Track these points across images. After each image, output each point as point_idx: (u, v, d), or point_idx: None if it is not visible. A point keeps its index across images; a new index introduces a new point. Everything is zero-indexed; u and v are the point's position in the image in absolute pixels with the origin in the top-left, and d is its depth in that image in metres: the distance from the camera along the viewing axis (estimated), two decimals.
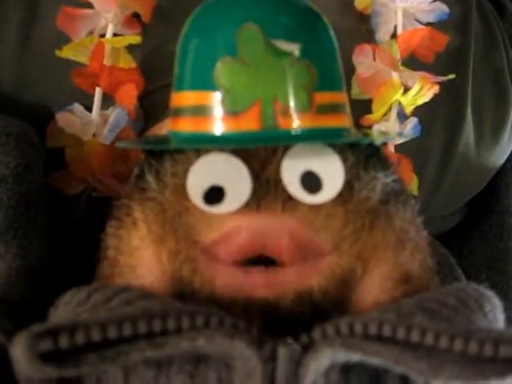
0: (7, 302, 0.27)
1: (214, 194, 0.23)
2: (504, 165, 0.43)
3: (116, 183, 0.35)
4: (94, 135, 0.35)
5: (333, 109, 0.24)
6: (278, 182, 0.23)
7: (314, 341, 0.21)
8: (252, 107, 0.23)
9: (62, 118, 0.35)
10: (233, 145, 0.23)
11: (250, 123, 0.23)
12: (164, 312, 0.20)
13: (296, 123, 0.23)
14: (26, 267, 0.28)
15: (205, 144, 0.24)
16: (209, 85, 0.24)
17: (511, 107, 0.41)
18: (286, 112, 0.23)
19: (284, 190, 0.23)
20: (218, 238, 0.23)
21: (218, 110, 0.23)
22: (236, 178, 0.23)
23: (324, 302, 0.22)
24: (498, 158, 0.42)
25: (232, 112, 0.23)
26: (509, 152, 0.43)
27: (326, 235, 0.23)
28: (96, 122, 0.35)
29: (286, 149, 0.24)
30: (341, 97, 0.25)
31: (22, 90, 0.35)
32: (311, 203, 0.23)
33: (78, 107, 0.35)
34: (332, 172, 0.24)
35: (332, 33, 0.25)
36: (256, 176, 0.23)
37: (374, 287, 0.23)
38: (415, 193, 0.37)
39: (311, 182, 0.23)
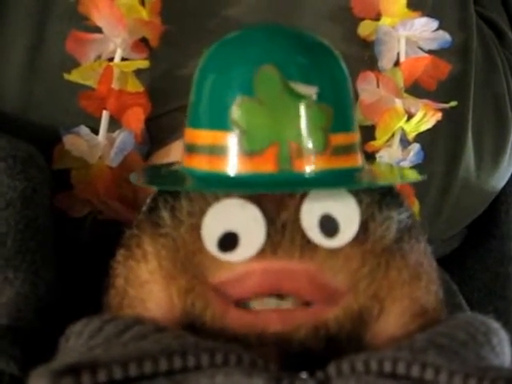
0: (15, 329, 0.26)
1: (229, 241, 0.23)
2: (504, 189, 0.43)
3: (121, 206, 0.35)
4: (100, 158, 0.35)
5: (347, 149, 0.25)
6: (294, 226, 0.23)
7: (329, 377, 0.21)
8: (268, 149, 0.23)
9: (69, 141, 0.35)
10: (248, 190, 0.23)
11: (266, 165, 0.23)
12: (183, 349, 0.20)
13: (311, 166, 0.23)
14: (34, 293, 0.28)
15: (221, 186, 0.24)
16: (225, 124, 0.24)
17: (511, 132, 0.42)
18: (301, 154, 0.23)
19: (301, 235, 0.23)
20: (230, 279, 0.23)
21: (233, 151, 0.24)
22: (251, 225, 0.23)
23: (339, 335, 0.22)
24: (498, 183, 0.43)
25: (248, 153, 0.23)
26: (508, 176, 0.44)
27: (344, 277, 0.23)
28: (102, 145, 0.35)
29: (303, 192, 0.24)
30: (354, 137, 0.25)
31: (28, 111, 0.35)
32: (329, 247, 0.23)
33: (84, 130, 0.35)
34: (348, 215, 0.24)
35: (345, 69, 0.26)
36: (271, 221, 0.23)
37: (390, 325, 0.24)
38: (417, 217, 0.38)
39: (329, 225, 0.23)
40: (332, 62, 0.25)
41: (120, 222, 0.34)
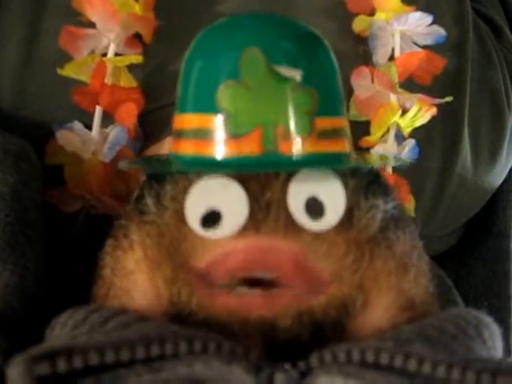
0: (3, 319, 0.26)
1: (211, 218, 0.23)
2: (501, 186, 0.43)
3: (114, 201, 0.35)
4: (93, 153, 0.35)
5: (334, 134, 0.25)
6: (279, 205, 0.23)
7: (311, 367, 0.21)
8: (253, 131, 0.23)
9: (62, 136, 0.35)
10: (233, 169, 0.23)
11: (251, 147, 0.23)
12: (161, 336, 0.20)
13: (297, 148, 0.23)
14: (22, 286, 0.28)
15: (206, 167, 0.24)
16: (211, 108, 0.24)
17: (507, 128, 0.42)
18: (287, 137, 0.23)
19: (286, 215, 0.23)
20: (213, 260, 0.23)
21: (219, 134, 0.24)
22: (233, 202, 0.23)
23: (324, 323, 0.22)
24: (495, 180, 0.42)
25: (234, 135, 0.23)
26: (505, 173, 0.43)
27: (328, 264, 0.23)
28: (96, 140, 0.35)
29: (289, 173, 0.24)
30: (342, 122, 0.25)
31: (21, 106, 0.35)
32: (313, 229, 0.23)
33: (77, 125, 0.35)
34: (334, 198, 0.24)
35: (333, 57, 0.26)
36: (255, 199, 0.23)
37: (376, 317, 0.23)
38: (412, 214, 0.37)
39: (315, 208, 0.23)
40: (319, 48, 0.25)
41: (113, 216, 0.34)
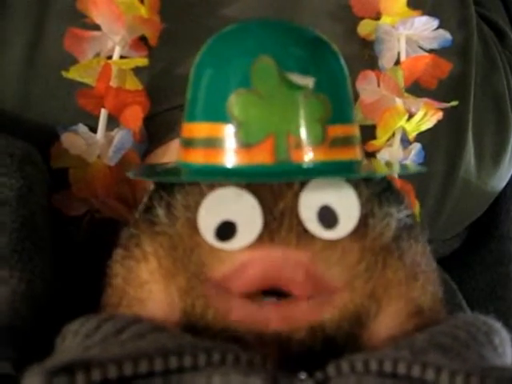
0: (11, 328, 0.26)
1: (226, 230, 0.23)
2: (504, 190, 0.43)
3: (119, 205, 0.35)
4: (98, 156, 0.35)
5: (345, 141, 0.24)
6: (292, 215, 0.23)
7: (328, 377, 0.21)
8: (265, 140, 0.23)
9: (67, 139, 0.35)
10: (245, 179, 0.23)
11: (263, 156, 0.23)
12: (180, 348, 0.20)
13: (309, 157, 0.23)
14: (30, 292, 0.28)
15: (217, 177, 0.24)
16: (222, 116, 0.23)
17: (511, 132, 0.42)
18: (299, 145, 0.23)
19: (298, 224, 0.23)
20: (230, 272, 0.23)
21: (230, 143, 0.23)
22: (247, 213, 0.23)
23: (336, 336, 0.22)
24: (498, 183, 0.42)
25: (245, 144, 0.23)
26: (509, 177, 0.43)
27: (340, 271, 0.23)
28: (101, 144, 0.35)
29: (302, 182, 0.24)
30: (353, 129, 0.25)
31: (26, 110, 0.35)
32: (327, 238, 0.23)
33: (82, 128, 0.35)
34: (348, 207, 0.24)
35: (343, 63, 0.26)
36: (268, 209, 0.23)
37: (386, 325, 0.23)
38: (418, 218, 0.37)
39: (328, 216, 0.23)
40: (329, 55, 0.25)
41: (118, 220, 0.34)
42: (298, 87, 0.23)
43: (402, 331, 0.24)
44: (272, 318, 0.22)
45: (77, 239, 0.35)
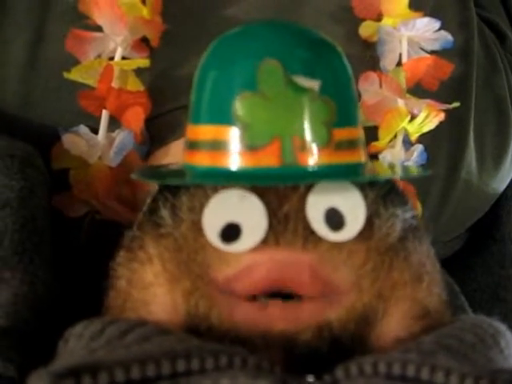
0: (13, 331, 0.26)
1: (230, 232, 0.23)
2: (505, 191, 0.43)
3: (120, 206, 0.35)
4: (99, 158, 0.35)
5: (351, 144, 0.24)
6: (297, 217, 0.23)
7: (337, 380, 0.20)
8: (271, 143, 0.23)
9: (68, 140, 0.35)
10: (252, 182, 0.23)
11: (269, 159, 0.23)
12: (187, 351, 0.20)
13: (315, 160, 0.23)
14: (32, 293, 0.27)
15: (222, 179, 0.24)
16: (227, 119, 0.23)
17: None
18: (305, 148, 0.23)
19: (304, 226, 0.23)
20: (235, 274, 0.23)
21: (236, 145, 0.23)
22: (252, 215, 0.23)
23: (343, 336, 0.22)
24: (499, 185, 0.42)
25: (250, 147, 0.23)
26: (509, 179, 0.43)
27: (346, 272, 0.23)
28: (102, 145, 0.35)
29: (308, 185, 0.24)
30: (358, 131, 0.25)
31: (27, 110, 0.35)
32: (334, 240, 0.23)
33: (84, 129, 0.35)
34: (354, 209, 0.24)
35: (348, 65, 0.26)
36: (273, 212, 0.23)
37: (393, 326, 0.23)
38: (420, 219, 0.37)
39: (335, 219, 0.23)
40: (334, 57, 0.25)
41: (119, 222, 0.33)
42: (304, 90, 0.23)
43: (409, 333, 0.24)
44: (277, 318, 0.22)
45: (77, 241, 0.35)
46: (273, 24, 0.25)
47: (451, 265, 0.43)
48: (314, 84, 0.23)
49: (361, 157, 0.25)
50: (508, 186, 0.43)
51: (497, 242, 0.43)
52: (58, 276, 0.32)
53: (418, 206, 0.38)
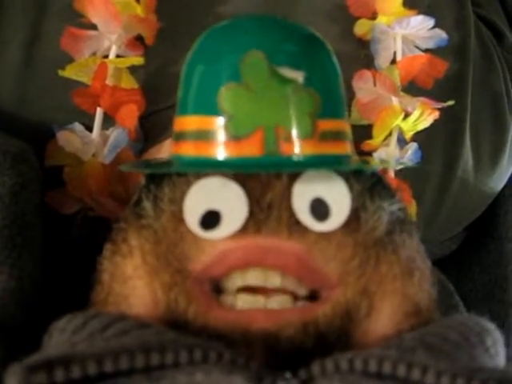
0: (0, 328, 0.26)
1: (210, 219, 0.23)
2: (502, 191, 0.43)
3: (113, 203, 0.35)
4: (93, 155, 0.35)
5: (335, 136, 0.24)
6: (281, 206, 0.23)
7: (312, 376, 0.20)
8: (255, 133, 0.23)
9: (62, 137, 0.35)
10: (234, 170, 0.23)
11: (252, 148, 0.23)
12: (162, 345, 0.20)
13: (298, 150, 0.23)
14: (19, 289, 0.27)
15: (206, 168, 0.24)
16: (212, 110, 0.24)
17: (509, 132, 0.42)
18: (288, 138, 0.23)
19: (289, 215, 0.23)
20: (211, 260, 0.23)
21: (220, 135, 0.23)
22: (232, 202, 0.23)
23: (329, 332, 0.22)
24: (496, 184, 0.42)
25: (234, 137, 0.23)
26: (507, 177, 0.43)
27: (335, 265, 0.23)
28: (96, 142, 0.35)
29: (293, 175, 0.24)
30: (343, 124, 0.25)
31: (22, 108, 0.35)
32: (319, 230, 0.23)
33: (78, 126, 0.35)
34: (339, 199, 0.24)
35: (335, 59, 0.26)
36: (255, 200, 0.23)
37: (382, 323, 0.23)
38: (414, 218, 0.37)
39: (320, 209, 0.23)
40: (322, 53, 0.25)
41: (112, 219, 0.33)
42: (288, 81, 0.23)
43: (399, 331, 0.23)
44: (257, 315, 0.22)
45: (70, 237, 0.35)
46: (259, 18, 0.26)
47: (447, 264, 0.42)
48: (297, 75, 0.23)
49: (346, 149, 0.25)
50: (505, 185, 0.43)
51: (494, 240, 0.43)
52: (50, 272, 0.32)
53: (414, 204, 0.38)
